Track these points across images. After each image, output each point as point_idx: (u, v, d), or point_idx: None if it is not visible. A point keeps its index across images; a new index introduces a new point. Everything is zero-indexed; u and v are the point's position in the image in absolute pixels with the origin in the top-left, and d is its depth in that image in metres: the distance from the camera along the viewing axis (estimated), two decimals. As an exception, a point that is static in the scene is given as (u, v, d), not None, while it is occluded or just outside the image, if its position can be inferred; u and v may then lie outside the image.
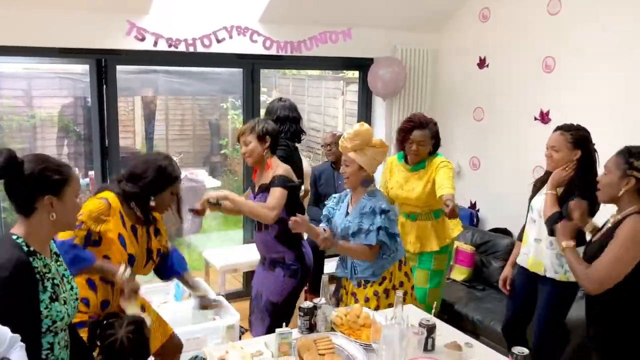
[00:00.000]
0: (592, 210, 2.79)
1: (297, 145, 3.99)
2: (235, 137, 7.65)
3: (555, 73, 4.22)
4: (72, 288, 1.89)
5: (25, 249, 1.72)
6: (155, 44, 4.04)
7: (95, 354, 2.02)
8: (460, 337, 2.54)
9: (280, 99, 4.01)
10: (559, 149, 2.95)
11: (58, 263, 1.88)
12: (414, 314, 2.60)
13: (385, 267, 2.97)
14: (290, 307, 3.21)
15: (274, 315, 3.15)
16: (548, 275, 3.03)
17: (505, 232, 4.59)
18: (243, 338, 3.63)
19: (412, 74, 5.03)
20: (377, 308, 2.90)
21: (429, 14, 4.96)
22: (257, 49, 4.42)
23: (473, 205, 5.05)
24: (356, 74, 5.49)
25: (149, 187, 2.46)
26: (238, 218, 6.00)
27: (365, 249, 2.90)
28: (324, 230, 2.94)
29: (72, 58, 4.13)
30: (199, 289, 2.96)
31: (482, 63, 4.85)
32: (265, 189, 3.08)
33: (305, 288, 3.88)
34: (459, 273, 4.49)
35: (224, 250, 4.68)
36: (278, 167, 3.10)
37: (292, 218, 2.81)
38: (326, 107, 8.24)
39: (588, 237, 2.66)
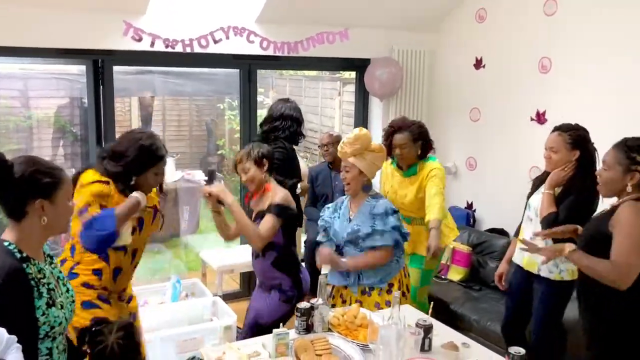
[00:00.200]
0: (589, 212, 2.81)
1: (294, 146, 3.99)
2: (232, 137, 7.65)
3: (552, 73, 4.23)
4: (67, 290, 1.87)
5: (18, 255, 1.68)
6: (152, 44, 4.04)
7: None
8: (457, 338, 2.55)
9: (287, 100, 4.02)
10: (558, 149, 2.94)
11: (52, 266, 1.85)
12: (410, 315, 2.60)
13: (392, 274, 2.97)
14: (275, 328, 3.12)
15: (256, 334, 2.98)
16: (542, 274, 3.04)
17: (501, 232, 4.60)
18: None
19: (408, 74, 5.03)
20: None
21: (425, 15, 4.97)
22: (254, 50, 4.42)
23: (469, 206, 5.06)
24: (353, 74, 5.49)
25: (131, 166, 2.41)
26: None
27: (379, 253, 2.89)
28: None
29: (68, 58, 4.13)
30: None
31: (478, 64, 4.86)
32: (262, 216, 3.01)
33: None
34: (456, 273, 4.50)
35: (221, 251, 4.68)
36: (276, 194, 3.02)
37: (320, 251, 2.85)
38: (323, 107, 8.24)
39: None
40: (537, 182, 3.15)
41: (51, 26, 3.72)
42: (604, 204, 2.54)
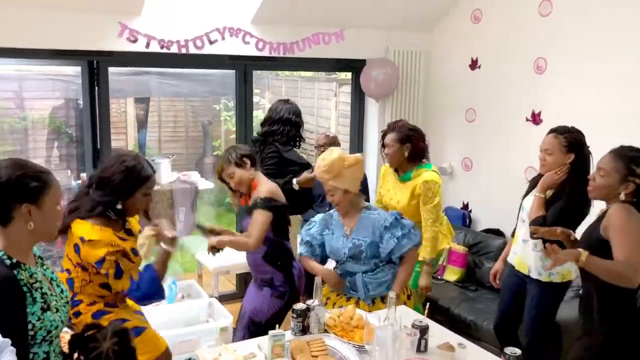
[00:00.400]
0: (579, 218, 2.82)
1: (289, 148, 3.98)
2: (228, 138, 7.65)
3: (547, 74, 4.24)
4: (62, 291, 1.85)
5: (8, 262, 1.64)
6: (148, 45, 4.03)
7: None
8: (453, 338, 2.55)
9: (287, 101, 4.01)
10: (553, 152, 2.93)
11: (44, 267, 1.82)
12: (406, 315, 2.60)
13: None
14: (270, 327, 3.09)
15: (253, 333, 3.05)
16: (532, 276, 3.05)
17: (497, 232, 4.61)
18: (236, 340, 3.62)
19: (404, 75, 5.04)
20: None
21: (421, 16, 4.97)
22: (250, 51, 4.42)
23: (465, 206, 5.06)
24: (349, 75, 5.49)
25: (118, 190, 2.37)
26: (231, 219, 6.00)
27: (412, 256, 2.93)
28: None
29: (64, 59, 4.12)
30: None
31: (474, 64, 4.86)
32: (249, 212, 3.02)
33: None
34: (452, 274, 4.50)
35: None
36: (261, 187, 3.02)
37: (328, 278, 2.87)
38: (319, 108, 8.24)
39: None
40: (532, 184, 3.15)
41: (46, 27, 3.72)
42: (594, 207, 2.54)
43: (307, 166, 3.96)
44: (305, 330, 2.52)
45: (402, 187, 3.50)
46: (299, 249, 3.05)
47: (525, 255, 3.10)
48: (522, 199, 3.18)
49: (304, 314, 2.52)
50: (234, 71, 4.63)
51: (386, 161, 3.59)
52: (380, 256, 2.86)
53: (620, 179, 2.33)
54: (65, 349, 1.82)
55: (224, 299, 4.41)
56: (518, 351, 2.12)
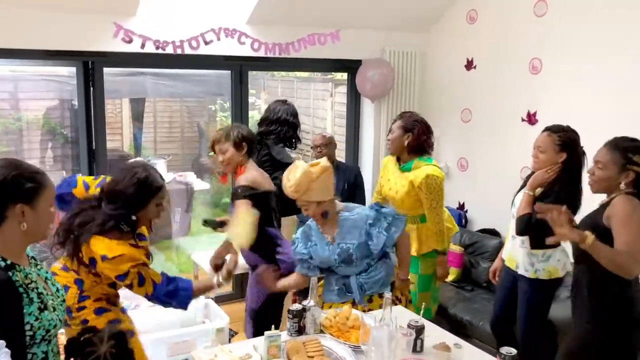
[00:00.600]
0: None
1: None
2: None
3: (542, 74, 4.25)
4: (57, 290, 1.85)
5: (2, 263, 1.63)
6: (143, 46, 4.02)
7: None
8: (449, 338, 2.55)
9: (284, 102, 4.00)
10: (545, 149, 2.95)
11: (38, 267, 1.82)
12: (402, 316, 2.60)
13: (392, 274, 2.96)
14: (271, 313, 3.09)
15: (255, 322, 3.12)
16: (519, 272, 3.09)
17: (493, 232, 4.62)
18: (233, 341, 3.62)
19: (400, 75, 5.04)
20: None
21: (417, 16, 4.98)
22: (245, 51, 4.42)
23: (461, 206, 5.07)
24: (345, 75, 5.49)
25: (131, 203, 2.36)
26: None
27: (405, 239, 2.98)
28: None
29: (58, 60, 4.10)
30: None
31: (469, 65, 4.87)
32: (232, 201, 3.03)
33: (294, 290, 3.86)
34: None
35: (213, 253, 4.66)
36: (244, 175, 3.00)
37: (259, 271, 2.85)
38: (315, 108, 8.23)
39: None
40: (526, 181, 3.16)
41: (41, 28, 3.70)
42: (584, 206, 2.56)
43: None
44: (301, 330, 2.52)
45: (402, 176, 3.46)
46: (298, 270, 2.95)
47: (514, 251, 3.14)
48: (514, 196, 3.19)
49: (300, 314, 2.52)
50: (230, 72, 4.62)
51: (389, 147, 3.57)
52: (372, 255, 2.84)
53: (619, 170, 2.37)
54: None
55: (220, 300, 4.41)
56: (514, 351, 2.12)
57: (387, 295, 2.37)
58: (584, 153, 2.94)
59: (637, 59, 3.66)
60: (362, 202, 4.37)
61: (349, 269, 2.86)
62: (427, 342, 2.41)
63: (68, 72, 5.09)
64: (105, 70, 4.11)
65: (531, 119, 4.35)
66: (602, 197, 2.50)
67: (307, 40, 4.64)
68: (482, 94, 4.77)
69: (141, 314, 3.66)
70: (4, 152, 5.67)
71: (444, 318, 3.93)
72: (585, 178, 2.65)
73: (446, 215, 3.64)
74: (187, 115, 8.03)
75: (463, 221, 4.97)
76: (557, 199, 2.83)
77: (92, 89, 4.06)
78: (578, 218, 2.64)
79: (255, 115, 6.30)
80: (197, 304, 3.94)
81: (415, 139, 3.41)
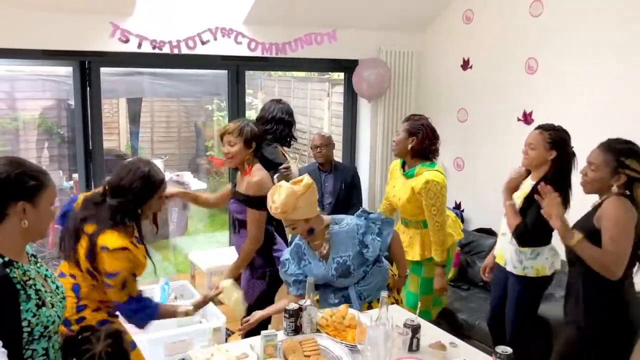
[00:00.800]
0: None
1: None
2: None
3: (538, 74, 4.27)
4: (57, 287, 1.85)
5: (0, 260, 1.64)
6: (140, 45, 4.02)
7: None
8: (445, 337, 2.56)
9: (279, 101, 4.00)
10: (535, 146, 2.99)
11: (38, 265, 1.83)
12: (398, 315, 2.61)
13: (386, 277, 2.95)
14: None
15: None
16: (508, 268, 3.12)
17: (489, 232, 4.63)
18: (229, 340, 3.62)
19: (396, 75, 5.05)
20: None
21: (413, 16, 4.99)
22: (242, 51, 4.42)
23: (457, 206, 5.09)
24: (341, 75, 5.50)
25: (139, 197, 2.39)
26: (224, 220, 6.00)
27: (397, 239, 2.97)
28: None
29: (55, 60, 4.10)
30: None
31: (465, 64, 4.89)
32: (239, 200, 3.07)
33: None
34: (445, 273, 4.52)
35: (210, 252, 4.67)
36: (251, 179, 3.04)
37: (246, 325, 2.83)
38: (312, 108, 8.25)
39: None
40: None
41: (38, 28, 3.70)
42: (576, 204, 2.59)
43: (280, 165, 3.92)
44: (297, 330, 2.53)
45: (405, 183, 3.44)
46: (289, 290, 2.89)
47: (503, 247, 3.18)
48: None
49: (297, 314, 2.52)
50: (227, 71, 4.63)
51: (393, 148, 3.54)
52: (367, 262, 2.82)
53: (611, 172, 2.39)
54: None
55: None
56: (509, 350, 2.13)
57: (384, 294, 2.38)
58: (574, 154, 2.96)
59: (632, 59, 3.67)
60: (359, 202, 4.38)
61: (346, 281, 2.83)
62: (423, 341, 2.42)
63: (65, 71, 5.10)
64: (102, 70, 4.12)
65: (527, 118, 4.36)
66: (596, 198, 2.52)
67: (304, 40, 4.65)
68: (479, 94, 4.79)
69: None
70: (0, 152, 5.66)
71: (441, 317, 3.94)
72: (575, 178, 2.68)
73: (450, 221, 3.57)
74: (184, 115, 8.04)
75: (459, 221, 4.97)
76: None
77: (88, 88, 4.06)
78: (572, 221, 2.64)
79: (252, 115, 6.31)
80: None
81: (419, 143, 3.36)
